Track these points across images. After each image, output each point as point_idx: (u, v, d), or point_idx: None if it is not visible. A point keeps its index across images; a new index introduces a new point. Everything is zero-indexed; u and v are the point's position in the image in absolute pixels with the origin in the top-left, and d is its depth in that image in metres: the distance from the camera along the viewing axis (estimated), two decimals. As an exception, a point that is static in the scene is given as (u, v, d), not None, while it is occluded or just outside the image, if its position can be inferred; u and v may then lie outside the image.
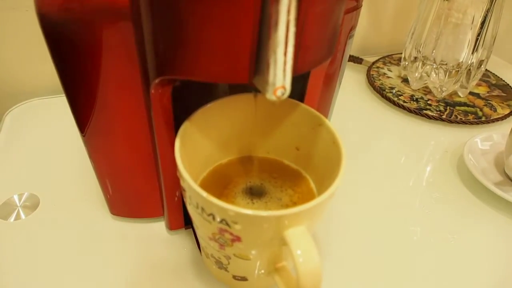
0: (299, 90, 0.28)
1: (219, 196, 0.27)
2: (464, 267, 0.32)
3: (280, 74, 0.17)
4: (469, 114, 0.50)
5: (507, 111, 0.51)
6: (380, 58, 0.62)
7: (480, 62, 0.50)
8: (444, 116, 0.49)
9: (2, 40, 0.46)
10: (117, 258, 0.31)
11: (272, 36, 0.17)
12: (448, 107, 0.51)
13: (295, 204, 0.27)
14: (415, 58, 0.52)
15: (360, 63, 0.61)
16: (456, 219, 0.37)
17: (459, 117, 0.49)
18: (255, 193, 0.27)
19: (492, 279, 0.32)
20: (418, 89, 0.55)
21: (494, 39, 0.49)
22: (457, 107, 0.51)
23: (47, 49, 0.22)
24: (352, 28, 0.30)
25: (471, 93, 0.55)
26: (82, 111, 0.25)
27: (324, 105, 0.34)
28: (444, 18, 0.47)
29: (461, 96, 0.54)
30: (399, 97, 0.53)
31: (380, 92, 0.54)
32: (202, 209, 0.21)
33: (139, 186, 0.31)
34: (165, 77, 0.20)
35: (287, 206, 0.27)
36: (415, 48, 0.52)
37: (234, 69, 0.18)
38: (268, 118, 0.28)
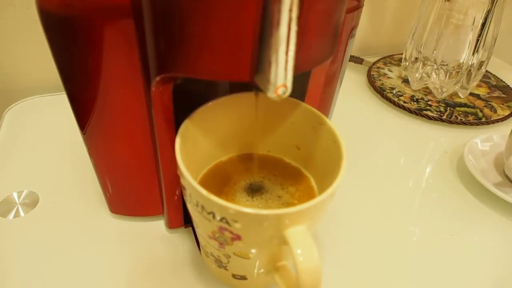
0: (300, 89, 0.27)
1: (219, 193, 0.27)
2: (464, 267, 0.32)
3: (281, 73, 0.17)
4: (469, 115, 0.50)
5: (507, 112, 0.51)
6: (381, 59, 0.62)
7: (481, 63, 0.50)
8: (444, 117, 0.49)
9: (2, 38, 0.46)
10: (116, 256, 0.31)
11: (274, 34, 0.17)
12: (448, 108, 0.51)
13: (295, 202, 0.27)
14: (416, 58, 0.52)
15: (361, 63, 0.61)
16: (455, 220, 0.37)
17: (459, 118, 0.49)
18: (255, 191, 0.27)
19: (491, 280, 0.32)
20: (419, 90, 0.55)
21: (495, 40, 0.49)
22: (457, 108, 0.51)
23: (47, 47, 0.22)
24: (353, 27, 0.30)
25: (471, 94, 0.55)
26: (83, 109, 0.25)
27: (324, 105, 0.34)
28: (445, 19, 0.48)
29: (461, 97, 0.54)
30: (400, 98, 0.53)
31: (381, 92, 0.54)
32: (202, 207, 0.21)
33: (139, 184, 0.31)
34: (166, 74, 0.20)
35: (287, 204, 0.26)
36: (416, 49, 0.52)
37: (236, 67, 0.18)
38: (269, 117, 0.28)
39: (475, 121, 0.49)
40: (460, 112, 0.51)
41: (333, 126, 0.25)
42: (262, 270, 0.26)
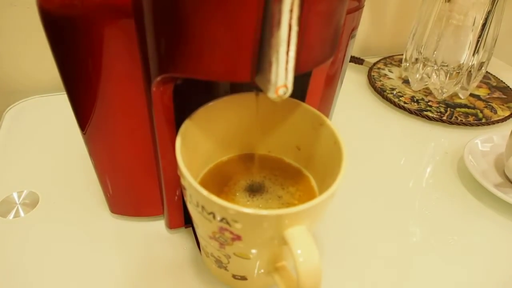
0: (300, 89, 0.27)
1: (219, 193, 0.27)
2: (464, 268, 0.32)
3: (282, 73, 0.17)
4: (470, 116, 0.50)
5: (507, 113, 0.51)
6: (381, 59, 0.62)
7: (481, 64, 0.50)
8: (444, 118, 0.49)
9: (2, 37, 0.46)
10: (116, 256, 0.31)
11: (275, 35, 0.17)
12: (448, 109, 0.51)
13: (296, 202, 0.27)
14: (416, 59, 0.52)
15: (361, 63, 0.61)
16: (456, 220, 0.37)
17: (459, 118, 0.49)
18: (255, 191, 0.27)
19: (492, 280, 0.32)
20: (419, 90, 0.55)
21: (495, 41, 0.49)
22: (458, 109, 0.51)
23: (47, 47, 0.22)
24: (354, 28, 0.30)
25: (471, 95, 0.55)
26: (83, 109, 0.25)
27: (325, 105, 0.34)
28: (445, 20, 0.48)
29: (462, 97, 0.54)
30: (400, 98, 0.53)
31: (381, 93, 0.54)
32: (203, 207, 0.21)
33: (139, 184, 0.31)
34: (167, 75, 0.20)
35: (288, 204, 0.26)
36: (416, 50, 0.52)
37: (236, 67, 0.18)
38: (269, 117, 0.28)
39: (476, 122, 0.49)
40: (461, 113, 0.51)
41: (334, 126, 0.25)
42: (262, 271, 0.26)
